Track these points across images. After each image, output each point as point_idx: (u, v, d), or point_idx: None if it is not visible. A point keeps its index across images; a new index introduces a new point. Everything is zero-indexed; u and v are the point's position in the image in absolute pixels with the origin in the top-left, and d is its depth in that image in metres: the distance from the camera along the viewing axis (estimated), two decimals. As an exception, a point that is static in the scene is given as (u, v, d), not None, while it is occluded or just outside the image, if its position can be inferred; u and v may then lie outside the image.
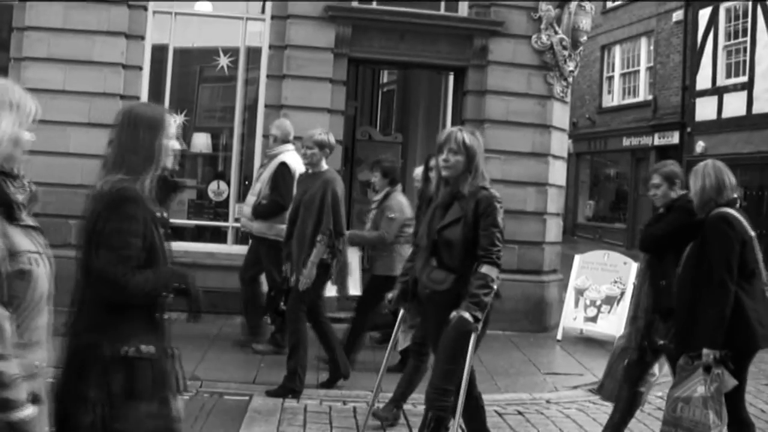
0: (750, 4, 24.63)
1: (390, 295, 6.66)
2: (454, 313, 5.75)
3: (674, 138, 27.83)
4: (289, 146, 9.99)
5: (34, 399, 2.96)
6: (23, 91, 3.14)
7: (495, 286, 5.92)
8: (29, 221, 3.20)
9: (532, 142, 13.04)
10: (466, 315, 5.71)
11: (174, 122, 4.09)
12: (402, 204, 9.43)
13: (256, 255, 10.07)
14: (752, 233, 6.22)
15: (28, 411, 2.90)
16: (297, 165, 9.63)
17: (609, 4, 32.50)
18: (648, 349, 6.82)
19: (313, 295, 8.51)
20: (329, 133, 8.81)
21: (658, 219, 6.96)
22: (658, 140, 28.68)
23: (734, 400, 6.12)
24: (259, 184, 9.92)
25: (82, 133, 11.76)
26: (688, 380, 6.01)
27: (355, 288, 9.42)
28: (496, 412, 8.32)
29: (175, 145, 4.12)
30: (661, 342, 6.61)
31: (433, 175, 6.56)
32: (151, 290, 3.81)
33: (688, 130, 27.08)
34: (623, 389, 7.06)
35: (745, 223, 6.22)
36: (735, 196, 6.33)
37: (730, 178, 6.32)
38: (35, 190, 3.26)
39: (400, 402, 7.62)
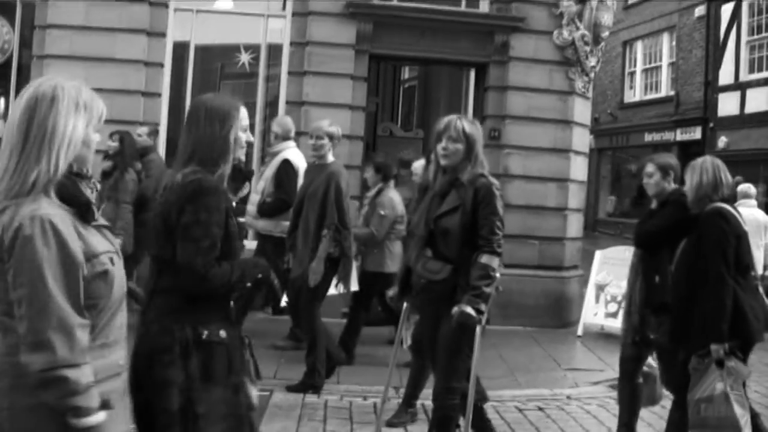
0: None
1: (391, 292, 6.57)
2: (455, 309, 5.57)
3: (696, 133, 27.71)
4: (291, 143, 9.94)
5: (104, 405, 2.94)
6: (92, 92, 3.13)
7: (496, 276, 5.78)
8: (101, 220, 3.20)
9: (554, 137, 13.02)
10: (468, 309, 5.54)
11: (246, 115, 4.16)
12: (393, 201, 9.41)
13: (263, 253, 10.05)
14: (746, 229, 6.27)
15: (99, 417, 2.90)
16: (300, 162, 9.65)
17: (631, 0, 32.36)
18: (642, 344, 6.82)
19: (324, 290, 8.44)
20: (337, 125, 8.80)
21: (652, 215, 6.96)
22: (680, 136, 28.56)
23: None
24: (263, 182, 9.85)
25: (104, 130, 11.80)
26: (704, 380, 5.98)
27: (355, 284, 9.36)
28: (516, 407, 8.34)
29: (247, 136, 4.18)
30: (653, 336, 6.60)
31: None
32: (232, 281, 3.88)
33: (711, 125, 26.96)
34: (622, 386, 7.08)
35: (740, 218, 6.26)
36: (729, 193, 6.37)
37: (726, 176, 6.37)
38: (99, 190, 3.29)
39: (412, 401, 7.59)
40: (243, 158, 4.34)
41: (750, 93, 25.22)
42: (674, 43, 30.06)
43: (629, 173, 33.18)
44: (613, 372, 9.87)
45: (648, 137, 30.61)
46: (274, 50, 12.95)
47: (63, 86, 3.03)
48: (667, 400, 7.24)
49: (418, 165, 9.35)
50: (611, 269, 12.46)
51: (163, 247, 3.87)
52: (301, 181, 9.25)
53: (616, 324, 12.07)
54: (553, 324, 12.49)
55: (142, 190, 10.24)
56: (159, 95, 12.35)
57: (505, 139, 12.91)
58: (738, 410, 5.90)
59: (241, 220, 10.79)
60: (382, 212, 9.25)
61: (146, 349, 3.73)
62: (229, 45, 13.34)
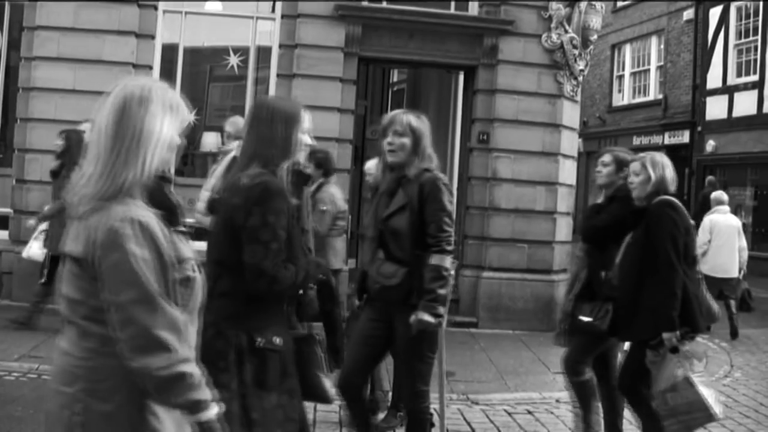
0: (761, 2, 24.57)
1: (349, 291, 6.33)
2: (413, 317, 5.33)
3: (684, 137, 27.77)
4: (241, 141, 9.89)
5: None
6: (177, 94, 3.11)
7: (450, 275, 5.56)
8: (183, 227, 3.18)
9: (542, 141, 13.03)
10: (426, 317, 5.32)
11: (308, 117, 4.21)
12: (334, 196, 9.33)
13: None
14: (692, 222, 6.33)
15: (215, 410, 2.91)
16: None
17: (619, 3, 32.42)
18: (571, 331, 6.79)
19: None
20: None
21: (599, 210, 6.93)
22: (668, 139, 28.61)
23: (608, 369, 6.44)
24: (213, 180, 9.84)
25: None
26: (663, 370, 5.98)
27: None
28: (506, 411, 8.33)
29: (307, 139, 4.22)
30: (586, 320, 6.52)
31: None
32: (299, 281, 3.92)
33: (699, 129, 27.02)
34: (571, 383, 7.03)
35: (686, 211, 6.29)
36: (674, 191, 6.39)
37: (674, 176, 6.43)
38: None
39: (399, 405, 7.52)
40: (303, 161, 4.38)
41: (738, 96, 25.28)
42: (663, 46, 30.12)
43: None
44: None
45: (636, 141, 30.63)
46: (263, 52, 12.94)
47: (151, 87, 3.02)
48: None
49: (371, 164, 9.25)
50: (600, 273, 12.44)
51: (225, 251, 3.90)
52: None
53: (605, 327, 12.09)
54: (542, 327, 12.47)
55: None
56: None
57: (493, 143, 12.92)
58: (704, 390, 5.93)
59: (189, 221, 10.54)
60: (323, 208, 9.15)
61: (200, 353, 3.71)
62: (218, 47, 13.33)
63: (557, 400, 8.90)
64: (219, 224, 3.95)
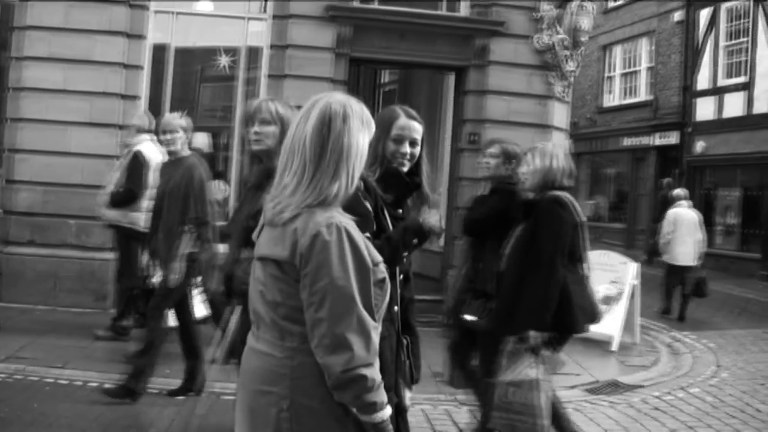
0: (750, 4, 24.66)
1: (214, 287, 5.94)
2: None
3: (674, 138, 27.84)
4: (146, 136, 9.86)
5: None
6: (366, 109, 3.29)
7: None
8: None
9: (532, 142, 12.92)
10: None
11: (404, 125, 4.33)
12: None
13: (119, 244, 9.95)
14: (583, 219, 6.26)
15: (389, 412, 3.08)
16: (152, 154, 9.57)
17: (610, 4, 32.49)
18: (456, 327, 6.78)
19: (181, 292, 7.95)
20: (188, 116, 8.45)
21: (481, 203, 6.91)
22: (658, 140, 28.67)
23: None
24: (116, 174, 9.85)
25: (83, 132, 11.79)
26: (516, 364, 5.96)
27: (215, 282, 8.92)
28: (494, 411, 8.34)
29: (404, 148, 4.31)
30: (471, 318, 6.50)
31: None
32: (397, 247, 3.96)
33: (688, 130, 27.10)
34: (454, 375, 7.02)
35: (577, 208, 6.25)
36: (571, 184, 6.36)
37: (572, 166, 6.42)
38: None
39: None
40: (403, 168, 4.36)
41: (727, 98, 25.37)
42: (653, 47, 30.19)
43: (607, 177, 33.36)
44: (590, 376, 10.00)
45: (626, 142, 30.73)
46: (254, 53, 12.94)
47: (351, 104, 3.22)
48: (644, 404, 7.27)
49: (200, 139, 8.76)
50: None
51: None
52: (152, 175, 9.10)
53: (594, 328, 12.11)
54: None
55: None
56: (138, 98, 12.30)
57: (484, 143, 12.93)
58: (543, 399, 5.90)
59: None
60: None
61: None
62: (209, 47, 13.33)
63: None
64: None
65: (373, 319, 3.07)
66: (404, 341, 3.98)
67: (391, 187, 4.21)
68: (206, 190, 7.93)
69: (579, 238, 6.21)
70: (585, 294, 6.25)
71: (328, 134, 3.11)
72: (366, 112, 3.26)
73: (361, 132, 3.19)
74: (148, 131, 9.82)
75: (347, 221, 3.08)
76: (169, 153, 8.16)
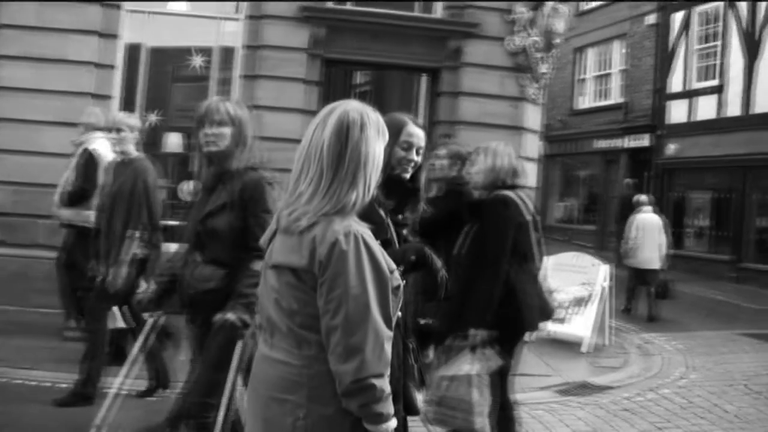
0: (722, 8, 24.84)
1: (143, 297, 5.76)
2: (219, 316, 4.92)
3: (646, 140, 27.98)
4: (98, 134, 9.63)
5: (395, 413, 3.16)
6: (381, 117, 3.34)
7: None
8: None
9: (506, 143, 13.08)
10: (233, 318, 4.89)
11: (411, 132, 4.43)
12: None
13: (70, 246, 9.89)
14: (529, 217, 6.26)
15: (393, 424, 3.12)
16: (105, 152, 9.38)
17: (584, 7, 32.60)
18: (417, 331, 6.80)
19: (124, 296, 7.73)
20: (136, 115, 8.28)
21: (433, 204, 6.93)
22: (629, 143, 28.81)
23: (500, 382, 6.18)
24: (68, 172, 9.80)
25: (56, 132, 11.73)
26: (454, 360, 5.97)
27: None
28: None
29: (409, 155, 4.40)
30: (423, 321, 6.39)
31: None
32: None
33: (660, 132, 27.25)
34: None
35: (524, 206, 6.25)
36: (520, 183, 6.39)
37: (521, 165, 6.47)
38: None
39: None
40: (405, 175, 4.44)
41: (699, 101, 25.54)
42: (625, 50, 30.33)
43: (579, 180, 33.48)
44: (560, 377, 10.05)
45: (598, 144, 30.85)
46: (228, 53, 12.91)
47: (367, 112, 3.27)
48: (614, 405, 7.33)
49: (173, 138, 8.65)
50: (560, 275, 12.59)
51: None
52: (102, 173, 9.01)
53: (565, 329, 12.24)
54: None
55: None
56: (110, 98, 12.25)
57: (465, 144, 12.95)
58: (475, 396, 5.86)
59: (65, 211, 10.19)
60: None
61: None
62: (183, 47, 13.28)
63: (515, 402, 8.99)
64: None
65: (389, 328, 3.10)
66: (410, 345, 4.01)
67: (394, 194, 4.26)
68: (155, 193, 7.84)
69: (526, 236, 6.22)
70: (536, 292, 6.29)
71: (346, 142, 3.15)
72: (381, 120, 3.31)
73: (377, 140, 3.24)
74: (102, 129, 9.72)
75: (364, 230, 3.12)
76: (120, 152, 8.08)
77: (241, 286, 5.00)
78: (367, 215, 3.23)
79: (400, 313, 3.97)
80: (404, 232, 4.27)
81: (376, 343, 3.03)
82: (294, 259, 3.11)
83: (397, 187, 4.31)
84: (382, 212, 3.39)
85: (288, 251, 3.15)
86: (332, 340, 3.03)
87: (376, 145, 3.22)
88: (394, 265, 3.21)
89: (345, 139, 3.15)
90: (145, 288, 7.15)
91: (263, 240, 3.39)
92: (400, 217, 4.31)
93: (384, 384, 3.05)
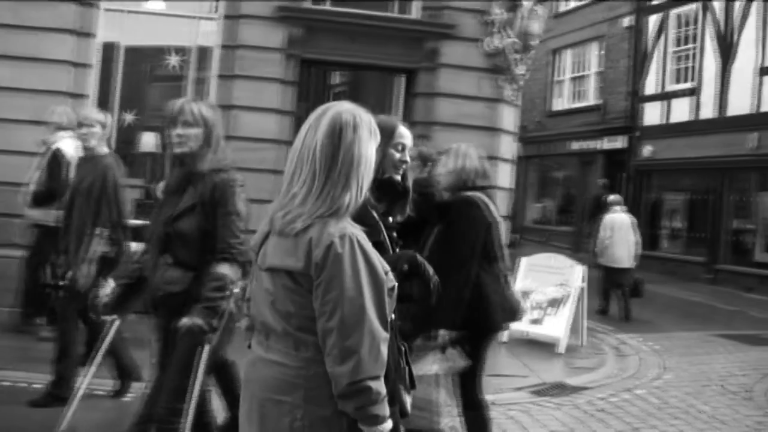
0: (699, 11, 24.96)
1: (103, 299, 5.75)
2: (184, 320, 4.89)
3: (621, 142, 28.10)
4: (65, 133, 9.63)
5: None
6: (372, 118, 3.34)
7: (236, 289, 5.12)
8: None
9: (481, 145, 13.03)
10: (198, 322, 4.87)
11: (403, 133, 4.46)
12: None
13: (39, 245, 9.82)
14: (497, 218, 6.30)
15: (389, 426, 3.12)
16: (72, 151, 9.31)
17: (560, 9, 32.70)
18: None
19: (90, 293, 7.45)
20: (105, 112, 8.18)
21: None
22: (606, 144, 28.93)
23: (469, 381, 6.18)
24: (33, 172, 9.74)
25: (32, 131, 11.64)
26: (423, 360, 5.94)
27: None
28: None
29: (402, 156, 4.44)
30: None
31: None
32: None
33: (636, 134, 27.38)
34: None
35: (491, 207, 6.28)
36: (487, 185, 6.42)
37: (488, 167, 6.47)
38: None
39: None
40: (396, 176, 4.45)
41: (674, 103, 25.68)
42: (602, 52, 30.44)
43: (555, 181, 33.55)
44: (537, 378, 10.08)
45: (574, 145, 30.95)
46: (204, 53, 12.88)
47: (360, 114, 3.26)
48: (590, 405, 7.32)
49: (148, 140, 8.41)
50: (536, 276, 12.62)
51: None
52: (69, 172, 8.94)
53: (541, 330, 12.26)
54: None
55: None
56: (86, 96, 12.19)
57: (433, 146, 12.97)
58: (443, 397, 5.92)
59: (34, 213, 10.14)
60: None
61: None
62: (159, 47, 13.24)
63: (491, 403, 9.00)
64: None
65: (386, 330, 3.11)
66: (403, 348, 4.00)
67: (386, 196, 4.26)
68: (120, 191, 7.70)
69: (493, 237, 6.22)
70: (504, 292, 6.28)
71: (339, 144, 3.15)
72: (373, 122, 3.31)
73: (370, 142, 3.24)
74: (68, 128, 9.63)
75: (359, 232, 3.13)
76: (85, 149, 7.92)
77: (206, 290, 4.99)
78: (360, 217, 3.24)
79: (393, 315, 3.98)
80: (394, 234, 4.25)
81: (372, 345, 3.04)
82: (290, 262, 3.11)
83: (390, 189, 4.32)
84: (375, 214, 3.38)
85: (284, 254, 3.15)
86: (328, 342, 3.04)
87: (368, 147, 3.22)
88: (388, 267, 3.22)
89: (338, 140, 3.15)
90: (107, 288, 6.92)
91: (254, 242, 3.37)
92: (390, 219, 4.29)
93: (380, 386, 3.07)
